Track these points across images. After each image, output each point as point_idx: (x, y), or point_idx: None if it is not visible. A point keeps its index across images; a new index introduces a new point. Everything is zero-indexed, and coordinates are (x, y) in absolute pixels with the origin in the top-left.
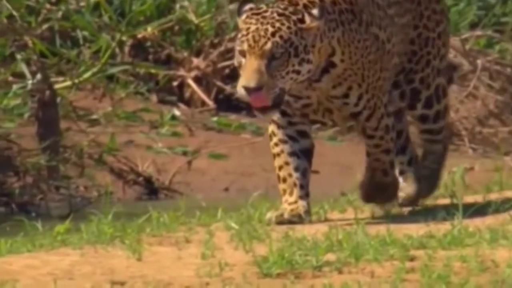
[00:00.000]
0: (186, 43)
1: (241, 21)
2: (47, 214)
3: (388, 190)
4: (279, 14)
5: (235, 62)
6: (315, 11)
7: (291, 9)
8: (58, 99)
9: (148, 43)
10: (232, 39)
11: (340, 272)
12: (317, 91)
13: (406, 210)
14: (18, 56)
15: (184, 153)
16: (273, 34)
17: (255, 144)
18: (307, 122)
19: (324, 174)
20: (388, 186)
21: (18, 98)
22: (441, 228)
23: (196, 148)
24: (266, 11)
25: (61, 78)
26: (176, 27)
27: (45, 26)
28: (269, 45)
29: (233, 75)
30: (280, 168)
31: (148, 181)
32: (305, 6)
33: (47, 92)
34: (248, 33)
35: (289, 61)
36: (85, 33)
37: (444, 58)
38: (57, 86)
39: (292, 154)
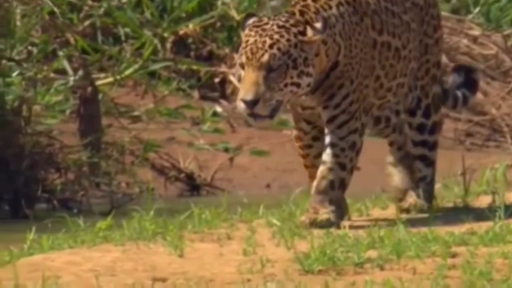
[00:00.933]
0: (227, 40)
1: (243, 34)
2: (89, 210)
3: (325, 206)
4: (279, 26)
5: (235, 75)
6: (318, 25)
7: (292, 21)
8: (100, 96)
9: (190, 40)
10: None
11: (381, 268)
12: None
13: (447, 206)
14: (60, 53)
15: (226, 150)
16: (270, 46)
17: None
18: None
19: (365, 170)
20: (329, 202)
21: (60, 95)
22: (482, 225)
23: (238, 144)
24: (266, 24)
25: (102, 75)
26: (218, 24)
27: (87, 22)
28: (266, 57)
29: None
30: (307, 167)
31: (190, 177)
32: (301, 12)
33: (89, 89)
34: (246, 46)
35: (287, 73)
36: (127, 29)
37: (440, 65)
38: (98, 82)
39: (318, 155)
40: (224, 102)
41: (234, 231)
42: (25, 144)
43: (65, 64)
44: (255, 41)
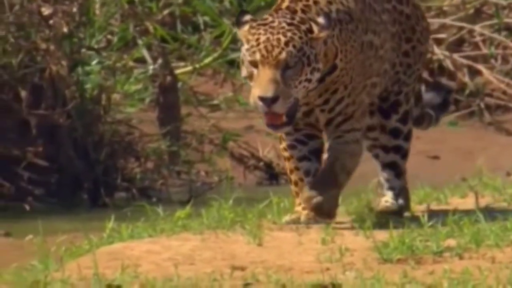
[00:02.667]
0: None
1: (244, 31)
2: (168, 199)
3: (331, 188)
4: (288, 24)
5: (243, 73)
6: (321, 20)
7: (298, 18)
8: (179, 85)
9: None
10: None
11: (460, 257)
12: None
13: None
14: (139, 42)
15: None
16: (286, 44)
17: None
18: (315, 128)
19: (444, 159)
20: (335, 184)
21: (139, 83)
22: None
23: None
24: (273, 21)
25: (182, 64)
26: None
27: (166, 11)
28: (283, 54)
29: None
30: (291, 171)
31: (269, 166)
32: (302, 11)
33: (168, 77)
34: (259, 44)
35: (303, 70)
36: (206, 18)
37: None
38: (177, 71)
39: (301, 158)
40: None
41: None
42: (105, 133)
43: (145, 53)
44: (268, 38)
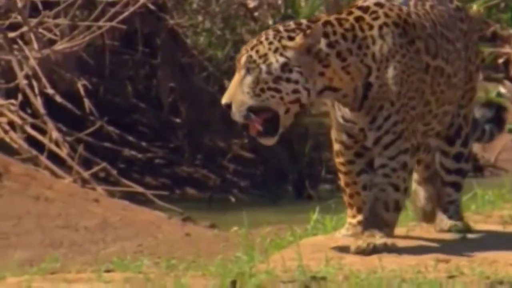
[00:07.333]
0: (511, 20)
1: None
2: None
3: (381, 229)
4: (275, 30)
5: None
6: (309, 31)
7: (292, 26)
8: None
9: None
10: None
11: None
12: (359, 122)
13: None
14: None
15: (510, 131)
16: (252, 48)
17: None
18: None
19: None
20: (384, 225)
21: None
22: None
23: None
24: (272, 28)
25: None
26: (502, 5)
27: None
28: (243, 58)
29: None
30: (347, 185)
31: (474, 158)
32: (339, 22)
33: None
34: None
35: (260, 78)
36: None
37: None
38: None
39: (360, 172)
40: (508, 83)
41: None
42: (309, 125)
43: None
44: (250, 42)
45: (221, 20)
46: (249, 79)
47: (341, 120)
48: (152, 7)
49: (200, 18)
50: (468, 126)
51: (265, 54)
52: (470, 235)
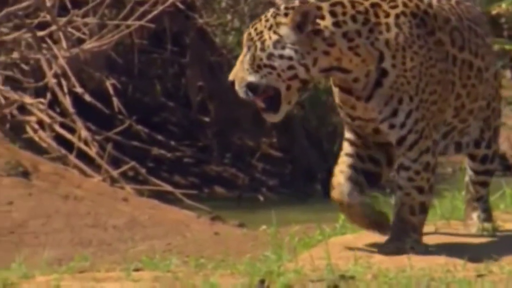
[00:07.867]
0: None
1: None
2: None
3: (409, 234)
4: (277, 8)
5: None
6: (296, 8)
7: (296, 3)
8: None
9: (503, 20)
10: None
11: None
12: (370, 114)
13: None
14: None
15: None
16: (253, 25)
17: None
18: (380, 151)
19: None
20: (412, 229)
21: None
22: None
23: None
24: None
25: None
26: None
27: None
28: (245, 36)
29: None
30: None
31: (503, 157)
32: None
33: None
34: None
35: (255, 55)
36: None
37: (500, 100)
38: None
39: (349, 166)
40: None
41: None
42: (338, 124)
43: None
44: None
45: (249, 19)
46: (247, 56)
47: (348, 120)
48: (181, 6)
49: (229, 17)
50: (489, 130)
51: (261, 32)
52: (498, 234)
